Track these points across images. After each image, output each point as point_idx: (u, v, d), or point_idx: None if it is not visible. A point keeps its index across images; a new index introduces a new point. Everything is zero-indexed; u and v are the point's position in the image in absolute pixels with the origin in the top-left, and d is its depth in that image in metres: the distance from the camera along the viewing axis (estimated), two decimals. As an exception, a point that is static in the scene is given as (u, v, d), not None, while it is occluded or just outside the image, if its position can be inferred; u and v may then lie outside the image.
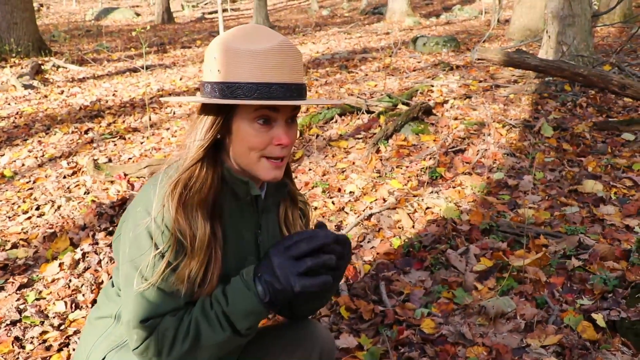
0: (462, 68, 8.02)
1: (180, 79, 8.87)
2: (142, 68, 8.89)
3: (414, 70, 8.38)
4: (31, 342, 2.64)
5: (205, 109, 1.37)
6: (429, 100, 6.21)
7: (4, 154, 5.39)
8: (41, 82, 8.66)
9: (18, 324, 2.76)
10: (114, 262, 3.27)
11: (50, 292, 3.05)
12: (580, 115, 5.57)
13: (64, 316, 2.84)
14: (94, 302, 2.93)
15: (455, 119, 5.55)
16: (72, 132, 5.98)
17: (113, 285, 1.57)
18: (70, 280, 3.14)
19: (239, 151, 1.37)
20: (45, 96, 7.91)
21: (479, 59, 5.92)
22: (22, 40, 11.01)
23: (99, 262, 3.30)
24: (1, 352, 2.56)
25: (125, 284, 1.37)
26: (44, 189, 4.46)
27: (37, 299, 2.99)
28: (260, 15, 17.12)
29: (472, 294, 2.80)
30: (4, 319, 2.79)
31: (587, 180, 4.02)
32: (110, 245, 3.47)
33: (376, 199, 3.96)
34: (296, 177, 4.36)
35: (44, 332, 2.71)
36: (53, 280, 3.17)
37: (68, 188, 4.43)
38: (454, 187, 4.07)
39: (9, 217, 3.98)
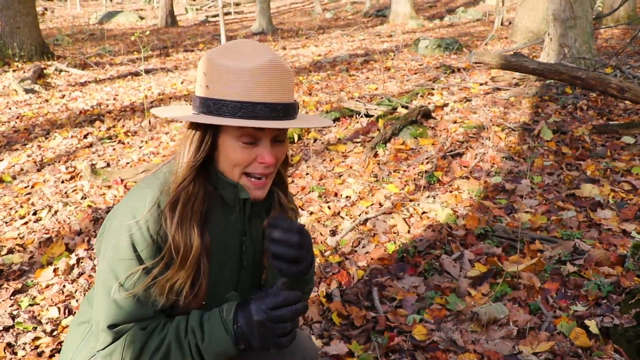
0: (463, 71, 8.00)
1: (182, 83, 8.88)
2: (142, 72, 8.89)
3: (415, 73, 8.37)
4: (23, 348, 2.64)
5: (193, 125, 1.38)
6: (429, 103, 6.20)
7: (3, 159, 5.40)
8: (43, 87, 8.68)
9: (11, 330, 2.77)
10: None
11: (44, 298, 3.05)
12: (581, 118, 5.54)
13: (57, 322, 2.84)
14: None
15: (455, 122, 5.53)
16: (72, 137, 5.99)
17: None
18: (64, 286, 3.14)
19: (224, 166, 1.39)
20: (46, 100, 7.93)
21: (476, 63, 5.89)
22: (25, 45, 11.06)
23: (94, 267, 3.30)
24: (-9, 359, 2.56)
25: (100, 286, 1.36)
26: (41, 193, 4.46)
27: (30, 305, 2.99)
28: (264, 18, 17.14)
29: (466, 300, 2.79)
30: (-4, 325, 2.79)
31: (585, 184, 4.00)
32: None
33: (372, 204, 3.95)
34: (293, 181, 4.35)
35: (37, 338, 2.71)
36: (47, 286, 3.17)
37: (66, 193, 4.44)
38: (451, 192, 4.06)
39: (6, 222, 3.98)
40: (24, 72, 9.81)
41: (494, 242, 3.29)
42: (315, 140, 5.30)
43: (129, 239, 1.32)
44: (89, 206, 4.07)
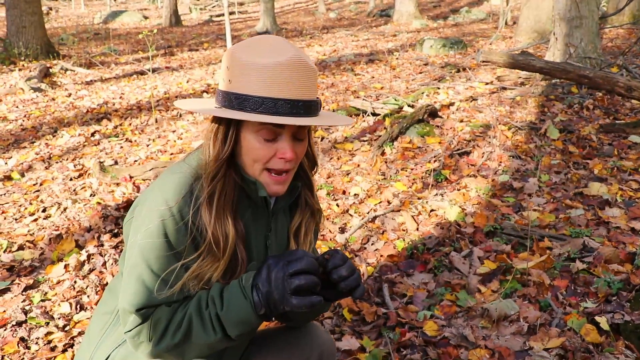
0: (468, 70, 8.01)
1: (187, 82, 8.91)
2: (149, 71, 8.92)
3: (420, 73, 8.38)
4: (36, 343, 2.66)
5: (216, 119, 1.39)
6: (434, 102, 6.21)
7: (11, 157, 5.43)
8: (49, 85, 8.71)
9: (23, 325, 2.78)
10: (118, 264, 3.29)
11: (56, 294, 3.06)
12: (587, 117, 5.55)
13: (69, 317, 2.86)
14: (98, 303, 2.95)
15: (461, 121, 5.55)
16: (79, 135, 6.01)
17: (122, 275, 1.56)
18: (75, 282, 3.15)
19: (245, 161, 1.39)
20: (53, 99, 7.95)
21: (483, 61, 5.90)
22: (31, 44, 11.09)
23: (104, 263, 3.32)
24: (7, 353, 2.58)
25: (130, 271, 1.36)
26: (50, 191, 4.49)
27: (42, 300, 3.01)
28: (268, 17, 17.16)
29: (475, 296, 2.80)
30: (9, 320, 2.81)
31: (593, 183, 4.01)
32: (115, 247, 3.49)
33: (380, 202, 3.97)
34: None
35: (49, 333, 2.72)
36: (58, 282, 3.19)
37: (74, 190, 4.46)
38: (458, 190, 4.07)
39: (16, 219, 4.01)
40: (30, 71, 9.83)
41: (502, 240, 3.31)
42: (322, 138, 5.31)
43: (161, 225, 1.32)
44: (98, 203, 4.09)
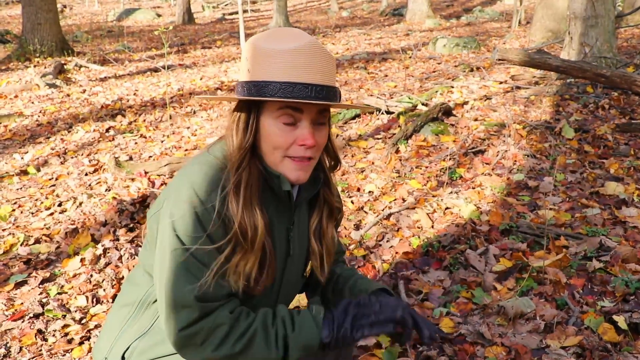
0: (482, 69, 7.98)
1: (201, 79, 8.93)
2: (164, 68, 8.96)
3: (433, 72, 8.36)
4: (53, 335, 2.68)
5: (237, 108, 1.40)
6: (449, 101, 6.19)
7: (27, 152, 5.47)
8: (64, 82, 8.77)
9: (41, 317, 2.81)
10: (134, 258, 3.31)
11: (72, 287, 3.09)
12: (603, 117, 5.51)
13: (85, 310, 2.88)
14: (114, 297, 2.97)
15: (475, 120, 5.52)
16: (94, 130, 6.05)
17: (143, 268, 1.55)
18: (91, 275, 3.17)
19: (266, 149, 1.39)
20: (68, 95, 8.01)
21: (499, 60, 5.88)
22: (46, 41, 11.18)
23: (120, 257, 3.34)
24: (25, 344, 2.60)
25: (167, 264, 1.34)
26: (66, 185, 4.52)
27: (59, 293, 3.03)
28: (281, 16, 17.18)
29: (491, 294, 2.79)
30: (27, 312, 2.83)
31: (609, 182, 3.98)
32: (131, 242, 3.51)
33: (395, 199, 3.96)
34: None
35: (66, 326, 2.74)
36: (75, 275, 3.21)
37: (89, 185, 4.49)
38: (473, 188, 4.05)
39: (32, 213, 4.04)
40: (45, 67, 9.91)
41: (518, 238, 3.29)
42: (336, 136, 5.31)
43: (194, 214, 1.32)
44: (114, 198, 4.11)
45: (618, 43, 8.93)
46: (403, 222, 3.60)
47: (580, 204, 3.75)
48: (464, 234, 3.37)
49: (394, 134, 5.19)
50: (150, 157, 5.14)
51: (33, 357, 2.53)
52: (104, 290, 3.05)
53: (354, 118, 5.80)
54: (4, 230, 3.75)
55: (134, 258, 3.31)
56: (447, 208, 3.77)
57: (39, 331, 2.70)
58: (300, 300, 2.63)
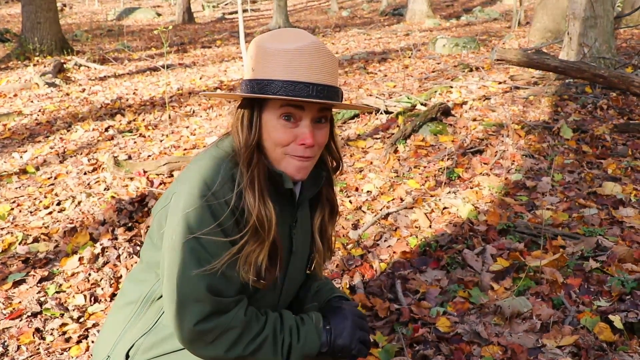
0: (481, 69, 7.99)
1: (200, 78, 8.94)
2: (163, 67, 8.96)
3: (433, 72, 8.36)
4: (51, 334, 2.69)
5: (241, 104, 1.43)
6: (447, 101, 6.20)
7: (26, 150, 5.48)
8: (63, 81, 8.78)
9: (39, 316, 2.82)
10: (132, 257, 3.32)
11: (70, 286, 3.09)
12: (601, 117, 5.52)
13: (83, 309, 2.89)
14: (112, 295, 2.98)
15: (474, 120, 5.53)
16: (93, 130, 6.06)
17: (146, 264, 1.56)
18: (89, 274, 3.18)
19: (268, 146, 1.41)
20: (67, 94, 8.01)
21: (498, 60, 5.88)
22: (46, 40, 11.18)
23: (118, 257, 3.35)
24: (23, 343, 2.61)
25: (178, 256, 1.35)
26: (64, 184, 4.52)
27: (57, 292, 3.04)
28: (281, 15, 17.19)
29: (488, 293, 2.80)
30: (25, 311, 2.84)
31: (607, 183, 3.99)
32: (129, 241, 3.52)
33: (393, 199, 3.97)
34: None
35: (64, 324, 2.75)
36: (73, 274, 3.22)
37: (88, 184, 4.49)
38: (471, 188, 4.06)
39: (31, 212, 4.05)
40: (45, 66, 9.92)
41: (515, 238, 3.30)
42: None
43: (206, 206, 1.33)
44: (112, 197, 4.12)
45: (617, 43, 8.94)
46: (401, 222, 3.61)
47: (578, 204, 3.76)
48: (462, 233, 3.38)
49: (393, 133, 5.20)
50: (149, 156, 5.15)
51: (31, 356, 2.54)
52: (102, 289, 3.06)
53: (352, 118, 5.81)
54: (2, 229, 3.76)
55: (132, 257, 3.32)
56: (445, 208, 3.78)
57: (37, 330, 2.71)
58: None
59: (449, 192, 4.00)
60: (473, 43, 10.46)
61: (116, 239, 3.56)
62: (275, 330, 1.44)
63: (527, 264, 2.96)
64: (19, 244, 3.54)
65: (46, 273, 3.22)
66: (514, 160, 4.52)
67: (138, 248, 3.41)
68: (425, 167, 4.51)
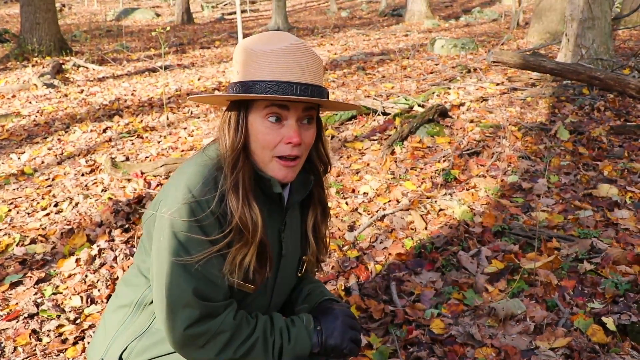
0: (479, 71, 8.00)
1: (199, 79, 8.95)
2: (161, 68, 8.98)
3: (431, 73, 8.38)
4: (48, 335, 2.70)
5: (228, 107, 1.45)
6: (445, 102, 6.21)
7: (24, 152, 5.49)
8: (62, 81, 8.79)
9: (35, 317, 2.83)
10: (129, 258, 3.33)
11: (67, 287, 3.11)
12: (598, 119, 5.53)
13: (80, 310, 2.90)
14: (109, 297, 2.99)
15: (471, 121, 5.55)
16: (91, 131, 6.07)
17: (139, 269, 1.57)
18: (86, 276, 3.19)
19: (255, 149, 1.42)
20: (66, 95, 8.02)
21: (494, 62, 5.90)
22: (44, 40, 11.20)
23: (115, 258, 3.36)
24: (19, 344, 2.62)
25: (165, 263, 1.36)
26: (62, 186, 4.54)
27: (54, 294, 3.05)
28: (279, 16, 17.20)
29: (483, 295, 2.81)
30: (22, 312, 2.85)
31: (602, 184, 4.00)
32: (126, 242, 3.53)
33: (390, 200, 3.98)
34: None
35: (60, 326, 2.76)
36: (70, 276, 3.23)
37: (86, 185, 4.51)
38: (467, 190, 4.08)
39: (28, 214, 4.06)
40: (43, 67, 9.93)
41: (510, 240, 3.31)
42: (332, 137, 5.33)
43: (192, 215, 1.34)
44: (110, 199, 4.13)
45: (615, 44, 8.96)
46: (397, 224, 3.62)
47: (573, 205, 3.77)
48: (457, 235, 3.40)
49: (390, 135, 5.21)
50: (147, 157, 5.16)
51: (27, 357, 2.55)
52: (99, 290, 3.07)
53: (350, 119, 5.82)
54: (0, 230, 3.77)
55: (129, 259, 3.33)
56: (441, 210, 3.79)
57: (34, 331, 2.72)
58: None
59: (445, 193, 4.02)
60: (472, 44, 10.48)
61: (113, 240, 3.57)
62: (265, 332, 1.46)
63: (521, 266, 2.97)
64: (17, 245, 3.55)
65: (43, 274, 3.23)
66: (510, 162, 4.53)
67: (135, 249, 3.42)
68: (422, 168, 4.52)
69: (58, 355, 2.57)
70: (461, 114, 5.81)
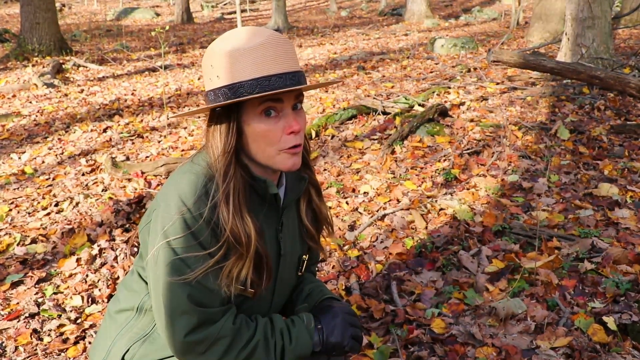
0: (479, 70, 8.00)
1: (199, 79, 8.95)
2: (161, 68, 8.98)
3: (431, 72, 8.38)
4: (49, 335, 2.70)
5: (213, 117, 1.40)
6: (445, 101, 6.22)
7: (24, 152, 5.49)
8: (62, 81, 8.79)
9: (36, 317, 2.83)
10: (129, 258, 3.33)
11: (68, 287, 3.11)
12: (598, 118, 5.54)
13: (81, 310, 2.90)
14: (110, 296, 2.99)
15: (471, 120, 5.55)
16: (91, 130, 6.07)
17: (138, 275, 1.57)
18: (87, 275, 3.20)
19: (256, 149, 1.40)
20: (66, 95, 8.02)
21: (494, 61, 5.90)
22: (44, 40, 11.19)
23: (115, 258, 3.36)
24: (20, 343, 2.62)
25: (164, 274, 1.36)
26: (63, 186, 4.54)
27: (54, 293, 3.06)
28: (279, 15, 17.20)
29: (483, 295, 2.81)
30: (23, 312, 2.86)
31: (603, 184, 4.00)
32: (126, 242, 3.53)
33: (390, 200, 3.98)
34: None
35: (61, 325, 2.76)
36: (70, 275, 3.23)
37: (86, 185, 4.51)
38: (468, 189, 4.08)
39: (29, 213, 4.06)
40: (43, 66, 9.93)
41: (511, 239, 3.32)
42: (332, 136, 5.34)
43: (184, 225, 1.33)
44: (110, 198, 4.13)
45: (616, 43, 8.96)
46: (397, 223, 3.62)
47: (574, 205, 3.77)
48: (457, 235, 3.40)
49: (390, 134, 5.21)
50: (147, 157, 5.16)
51: (28, 357, 2.56)
52: (100, 290, 3.07)
53: (350, 119, 5.82)
54: (0, 230, 3.77)
55: (130, 258, 3.34)
56: (441, 209, 3.79)
57: (35, 331, 2.72)
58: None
59: (446, 193, 4.02)
60: (471, 43, 10.48)
61: (114, 240, 3.58)
62: (266, 334, 1.45)
63: (522, 265, 2.97)
64: (17, 245, 3.55)
65: (44, 274, 3.24)
66: (510, 162, 4.53)
67: (135, 249, 3.42)
68: (422, 168, 4.52)
69: (59, 354, 2.57)
70: (461, 114, 5.81)
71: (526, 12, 16.72)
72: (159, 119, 6.48)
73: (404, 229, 3.57)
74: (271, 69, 1.32)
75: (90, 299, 2.99)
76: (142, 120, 6.47)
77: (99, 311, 2.88)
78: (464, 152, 4.74)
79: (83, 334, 2.71)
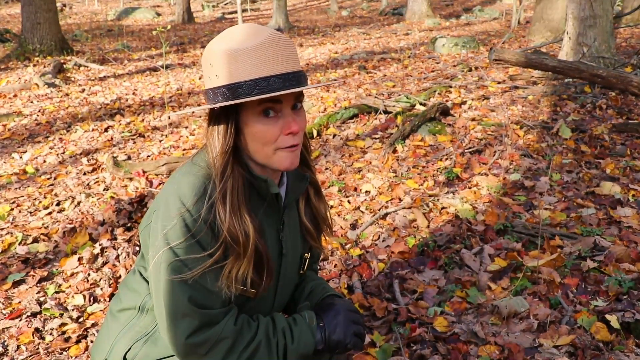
0: (481, 69, 8.00)
1: (200, 79, 8.95)
2: (162, 67, 8.97)
3: (432, 71, 8.37)
4: (50, 334, 2.70)
5: (213, 116, 1.40)
6: (446, 101, 6.21)
7: (26, 151, 5.49)
8: (63, 81, 8.79)
9: (38, 316, 2.83)
10: (131, 257, 3.33)
11: (70, 286, 3.11)
12: (600, 117, 5.53)
13: (83, 309, 2.90)
14: (111, 295, 2.99)
15: (473, 119, 5.54)
16: (93, 130, 6.07)
17: (140, 275, 1.58)
18: (89, 275, 3.19)
19: (254, 148, 1.40)
20: (67, 94, 8.02)
21: (496, 60, 5.89)
22: (45, 40, 11.19)
23: (117, 257, 3.36)
24: (22, 342, 2.62)
25: (165, 276, 1.36)
26: (64, 185, 4.54)
27: (56, 292, 3.05)
28: (280, 15, 17.20)
29: (486, 293, 2.81)
30: (24, 311, 2.85)
31: (605, 182, 4.00)
32: (128, 241, 3.53)
33: (392, 199, 3.98)
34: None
35: (63, 324, 2.76)
36: (72, 274, 3.23)
37: (88, 184, 4.51)
38: (469, 188, 4.07)
39: (30, 212, 4.06)
40: (44, 66, 9.93)
41: (513, 238, 3.31)
42: (334, 135, 5.33)
43: (184, 226, 1.33)
44: (112, 197, 4.13)
45: (617, 43, 8.95)
46: (399, 222, 3.62)
47: (576, 203, 3.76)
48: (460, 233, 3.39)
49: (392, 133, 5.21)
50: (149, 156, 5.16)
51: (30, 356, 2.55)
52: (101, 289, 3.07)
53: (351, 118, 5.82)
54: (2, 229, 3.77)
55: (131, 257, 3.33)
56: (443, 208, 3.79)
57: (37, 330, 2.72)
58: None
59: (447, 192, 4.01)
60: (473, 42, 10.47)
61: (115, 239, 3.57)
62: (268, 334, 1.45)
63: (524, 263, 2.97)
64: (19, 244, 3.55)
65: (46, 273, 3.23)
66: (512, 160, 4.53)
67: (137, 248, 3.42)
68: (423, 167, 4.52)
69: (61, 353, 2.57)
70: (463, 113, 5.81)
71: (527, 11, 16.71)
72: (160, 118, 6.48)
73: (406, 228, 3.56)
74: (270, 70, 1.31)
75: (92, 298, 2.99)
76: (143, 120, 6.47)
77: (100, 310, 2.88)
78: (466, 150, 4.74)
79: (85, 333, 2.70)
